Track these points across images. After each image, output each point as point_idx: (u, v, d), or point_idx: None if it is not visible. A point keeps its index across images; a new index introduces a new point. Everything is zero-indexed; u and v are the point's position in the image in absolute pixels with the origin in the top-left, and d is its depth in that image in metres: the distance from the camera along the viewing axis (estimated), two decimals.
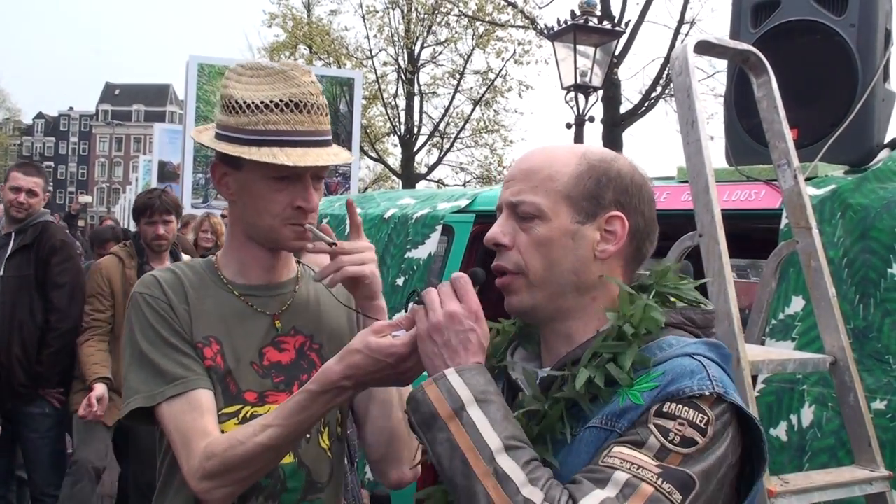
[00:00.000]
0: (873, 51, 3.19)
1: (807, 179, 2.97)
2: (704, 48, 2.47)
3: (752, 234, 3.99)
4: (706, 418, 1.27)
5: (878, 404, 2.52)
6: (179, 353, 1.73)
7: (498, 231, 1.47)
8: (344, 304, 1.92)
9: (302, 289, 1.93)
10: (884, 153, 3.18)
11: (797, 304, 2.81)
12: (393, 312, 4.11)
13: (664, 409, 1.27)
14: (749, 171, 3.23)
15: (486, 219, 4.03)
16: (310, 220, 1.77)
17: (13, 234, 4.56)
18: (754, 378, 2.79)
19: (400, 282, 4.12)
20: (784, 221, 2.83)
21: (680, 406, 1.27)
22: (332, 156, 1.75)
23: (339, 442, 1.90)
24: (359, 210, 4.61)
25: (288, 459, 1.77)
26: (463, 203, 4.11)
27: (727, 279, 2.17)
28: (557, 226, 1.42)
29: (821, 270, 2.39)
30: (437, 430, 1.30)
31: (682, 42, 2.40)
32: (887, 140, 3.29)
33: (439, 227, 4.05)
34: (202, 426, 1.66)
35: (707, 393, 1.28)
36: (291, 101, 1.70)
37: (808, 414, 2.69)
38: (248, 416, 1.76)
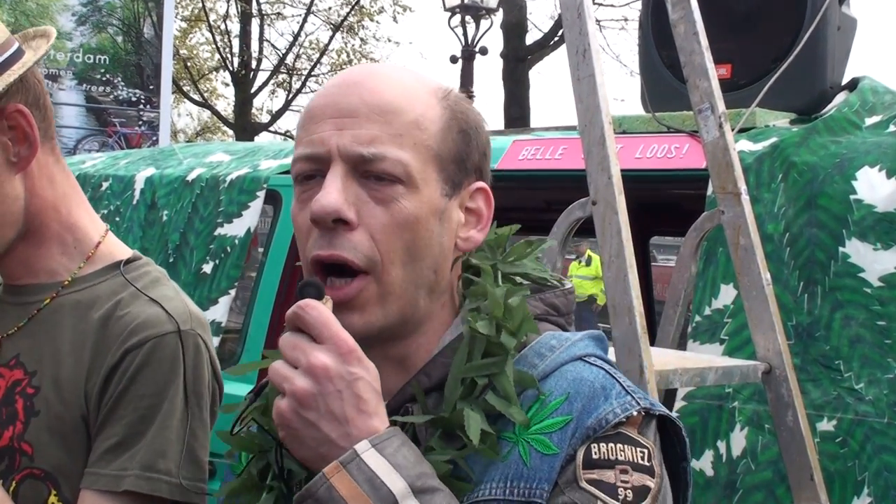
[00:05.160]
0: None
1: (743, 131, 3.01)
2: None
3: (680, 203, 4.05)
4: (646, 451, 1.22)
5: (826, 425, 2.57)
6: None
7: (341, 199, 1.20)
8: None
9: (66, 298, 1.74)
10: (840, 97, 3.25)
11: (727, 295, 2.84)
12: (208, 305, 3.99)
13: (593, 457, 1.20)
14: (670, 120, 3.25)
15: None
16: None
17: None
18: (671, 393, 2.82)
19: (208, 268, 3.99)
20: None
21: (611, 445, 1.21)
22: None
23: None
24: (154, 170, 4.47)
25: None
26: None
27: (627, 261, 2.15)
28: (427, 199, 1.24)
29: (752, 250, 2.40)
30: None
31: None
32: (845, 81, 3.37)
33: (261, 194, 3.95)
34: None
35: (634, 413, 1.23)
36: None
37: (739, 439, 2.73)
38: None
